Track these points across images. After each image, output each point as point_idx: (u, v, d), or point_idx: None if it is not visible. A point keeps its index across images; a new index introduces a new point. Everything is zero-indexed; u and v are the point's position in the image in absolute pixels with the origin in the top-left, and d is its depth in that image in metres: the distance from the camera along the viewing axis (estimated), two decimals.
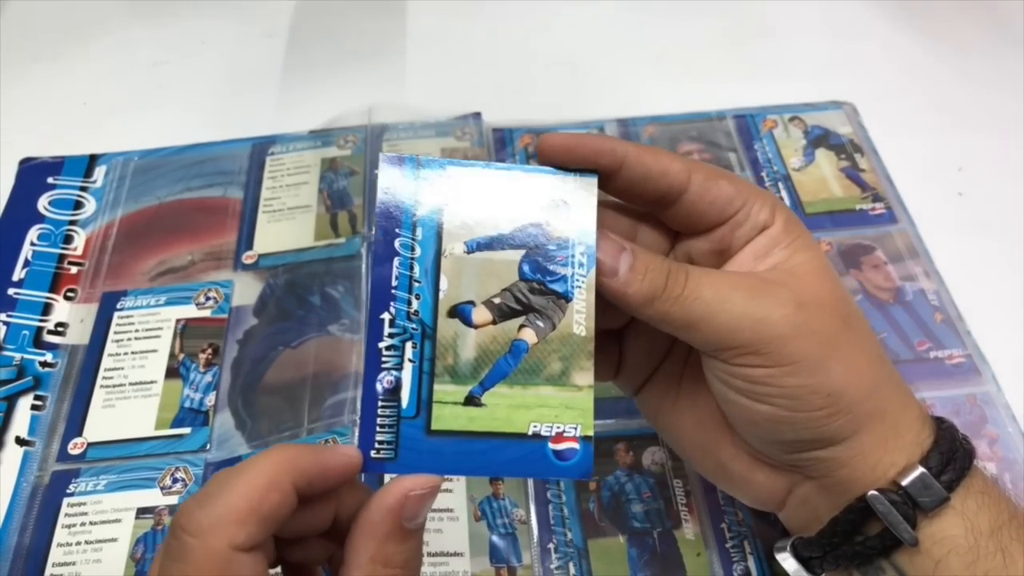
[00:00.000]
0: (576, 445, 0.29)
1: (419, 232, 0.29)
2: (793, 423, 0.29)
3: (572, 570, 0.39)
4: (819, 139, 0.57)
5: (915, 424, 0.30)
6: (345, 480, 0.27)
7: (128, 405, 0.45)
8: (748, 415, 0.30)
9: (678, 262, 0.30)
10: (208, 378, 0.46)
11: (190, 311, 0.49)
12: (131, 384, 0.46)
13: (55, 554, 0.40)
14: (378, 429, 0.28)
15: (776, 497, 0.33)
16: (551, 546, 0.40)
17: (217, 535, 0.24)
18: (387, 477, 0.31)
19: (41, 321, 0.49)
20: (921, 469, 0.29)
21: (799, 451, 0.30)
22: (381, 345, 0.28)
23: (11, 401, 0.45)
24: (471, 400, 0.29)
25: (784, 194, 0.54)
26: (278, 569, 0.29)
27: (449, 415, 0.28)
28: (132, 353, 0.47)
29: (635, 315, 0.30)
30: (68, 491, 0.42)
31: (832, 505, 0.30)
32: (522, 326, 0.29)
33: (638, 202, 0.32)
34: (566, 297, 0.29)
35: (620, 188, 0.31)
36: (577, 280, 0.29)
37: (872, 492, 0.29)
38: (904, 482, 0.29)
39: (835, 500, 0.30)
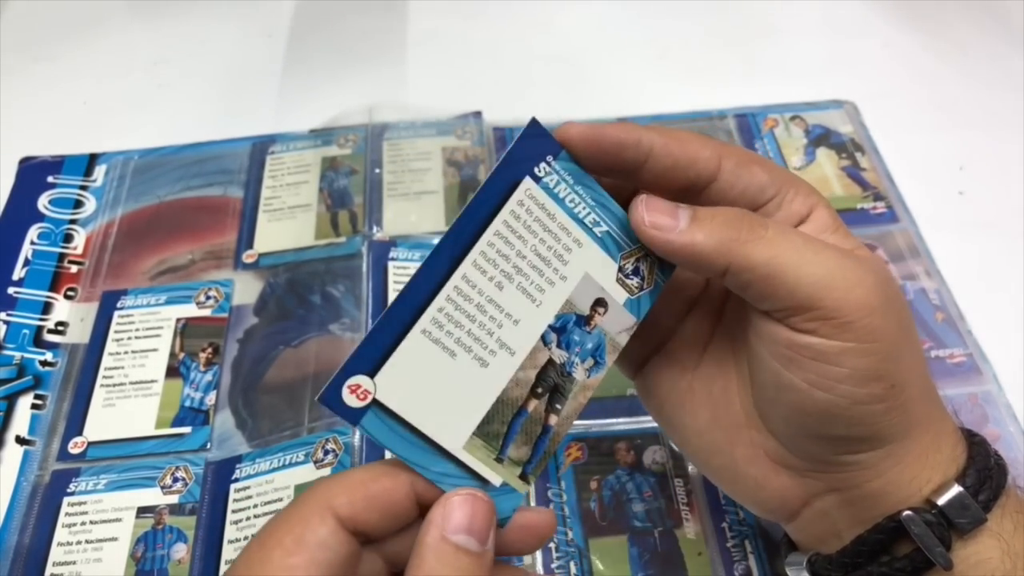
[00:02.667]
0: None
1: None
2: (849, 416, 0.27)
3: (573, 569, 0.39)
4: (820, 138, 0.57)
5: (951, 438, 0.28)
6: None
7: (128, 404, 0.45)
8: (802, 403, 0.27)
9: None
10: (208, 377, 0.46)
11: (190, 310, 0.49)
12: (131, 383, 0.46)
13: (55, 553, 0.40)
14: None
15: (789, 507, 0.30)
16: (552, 545, 0.40)
17: (317, 492, 0.24)
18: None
19: (41, 320, 0.49)
20: (959, 488, 0.27)
21: (844, 451, 0.28)
22: None
23: (11, 400, 0.45)
24: None
25: None
26: None
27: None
28: (132, 352, 0.47)
29: (701, 271, 0.27)
30: (68, 490, 0.42)
31: (855, 521, 0.28)
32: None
33: (665, 193, 0.28)
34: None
35: (646, 180, 0.28)
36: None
37: (907, 512, 0.27)
38: (940, 501, 0.27)
39: (859, 516, 0.28)
